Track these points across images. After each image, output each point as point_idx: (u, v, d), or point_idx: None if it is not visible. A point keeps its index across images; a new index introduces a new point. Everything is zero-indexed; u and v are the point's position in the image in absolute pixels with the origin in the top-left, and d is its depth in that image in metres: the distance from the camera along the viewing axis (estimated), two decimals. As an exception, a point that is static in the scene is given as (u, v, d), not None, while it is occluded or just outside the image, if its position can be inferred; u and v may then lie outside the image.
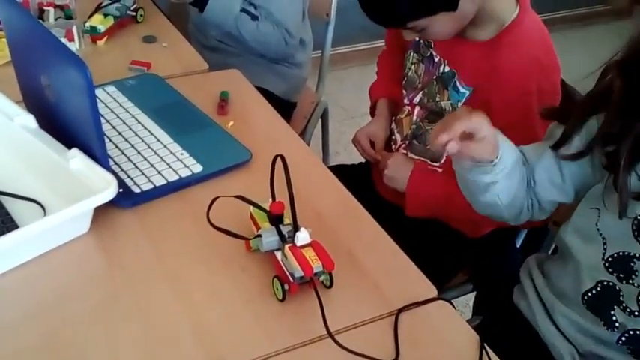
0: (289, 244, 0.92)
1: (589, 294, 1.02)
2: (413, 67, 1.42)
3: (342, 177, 1.22)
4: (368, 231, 1.09)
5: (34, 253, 0.96)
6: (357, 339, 0.88)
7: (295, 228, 0.93)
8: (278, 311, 0.92)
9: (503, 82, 1.21)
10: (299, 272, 0.89)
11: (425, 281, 1.00)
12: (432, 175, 1.37)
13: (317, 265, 0.90)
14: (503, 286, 1.24)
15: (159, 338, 0.87)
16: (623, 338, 1.00)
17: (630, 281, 0.98)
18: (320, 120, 2.10)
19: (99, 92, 1.31)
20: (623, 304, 0.99)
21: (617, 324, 1.00)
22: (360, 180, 1.56)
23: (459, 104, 1.30)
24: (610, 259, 0.99)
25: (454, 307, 0.98)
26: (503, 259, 1.50)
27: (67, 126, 1.05)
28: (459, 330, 0.94)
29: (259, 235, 0.95)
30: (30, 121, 1.09)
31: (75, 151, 1.03)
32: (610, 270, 1.00)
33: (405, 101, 1.43)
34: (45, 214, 1.02)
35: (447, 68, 1.31)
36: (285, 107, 1.91)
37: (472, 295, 1.54)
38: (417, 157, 1.41)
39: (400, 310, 0.93)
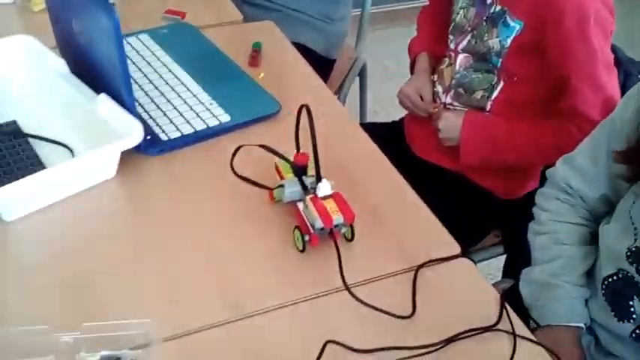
0: (311, 195, 0.91)
1: (610, 279, 0.98)
2: (462, 11, 1.39)
3: (376, 134, 1.20)
4: (394, 186, 1.07)
5: (60, 195, 0.98)
6: (375, 293, 0.88)
7: (318, 179, 0.92)
8: (298, 262, 0.92)
9: (559, 12, 1.19)
10: (319, 223, 0.88)
11: (449, 239, 0.98)
12: (484, 118, 1.36)
13: (337, 217, 0.89)
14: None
15: (180, 285, 0.88)
16: (637, 331, 0.95)
17: None
18: (358, 78, 2.07)
19: (132, 40, 1.31)
20: None
21: (634, 315, 0.95)
22: (395, 137, 1.54)
23: (509, 40, 1.28)
24: (634, 249, 0.94)
25: (475, 264, 0.95)
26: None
27: (97, 72, 1.05)
28: (479, 289, 0.92)
29: (282, 186, 0.94)
30: (61, 65, 1.10)
31: (103, 96, 1.03)
32: (630, 260, 0.95)
33: (451, 46, 1.41)
34: (73, 158, 1.03)
35: (498, 7, 1.29)
36: (324, 63, 1.88)
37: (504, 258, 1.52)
38: (463, 107, 1.39)
39: (420, 267, 0.92)
